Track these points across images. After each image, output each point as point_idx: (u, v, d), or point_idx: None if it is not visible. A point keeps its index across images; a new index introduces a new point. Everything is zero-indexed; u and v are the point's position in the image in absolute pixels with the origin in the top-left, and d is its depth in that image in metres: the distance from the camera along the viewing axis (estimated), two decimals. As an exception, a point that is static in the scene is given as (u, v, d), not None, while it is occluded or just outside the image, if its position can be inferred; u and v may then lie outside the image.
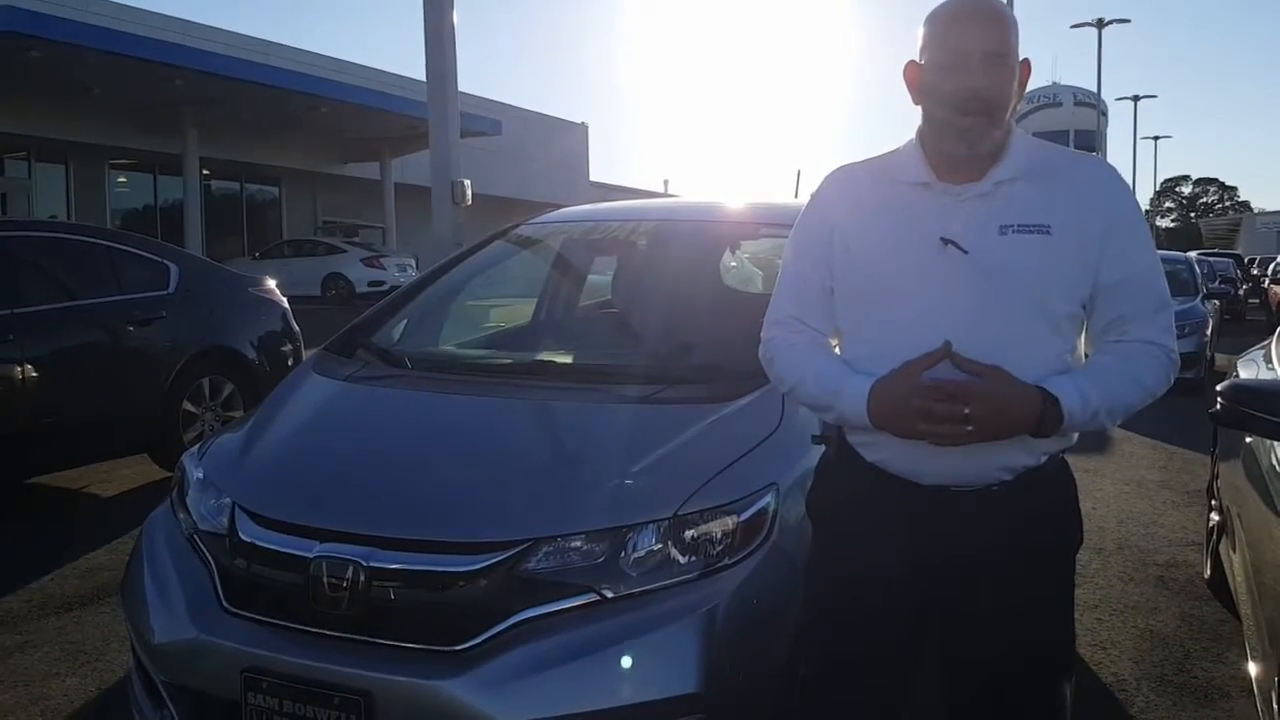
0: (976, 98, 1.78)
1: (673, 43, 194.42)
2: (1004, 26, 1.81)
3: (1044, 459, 1.90)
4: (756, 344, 2.09)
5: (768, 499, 2.46)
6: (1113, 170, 1.94)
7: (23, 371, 5.67)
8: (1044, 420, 1.78)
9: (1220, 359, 12.85)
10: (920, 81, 1.88)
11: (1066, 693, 1.98)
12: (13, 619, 4.26)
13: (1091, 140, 52.01)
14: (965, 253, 1.82)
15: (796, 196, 4.74)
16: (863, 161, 2.03)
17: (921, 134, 1.92)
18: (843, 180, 2.03)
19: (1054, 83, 60.43)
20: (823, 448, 2.15)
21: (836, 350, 2.02)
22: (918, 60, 1.88)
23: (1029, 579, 1.90)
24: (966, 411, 1.72)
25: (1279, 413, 2.61)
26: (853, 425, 1.92)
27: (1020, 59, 1.84)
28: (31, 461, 5.96)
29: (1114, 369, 1.85)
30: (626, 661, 2.20)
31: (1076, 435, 1.96)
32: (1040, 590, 1.92)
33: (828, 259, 1.97)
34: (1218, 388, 2.86)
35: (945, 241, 1.83)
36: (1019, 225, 1.82)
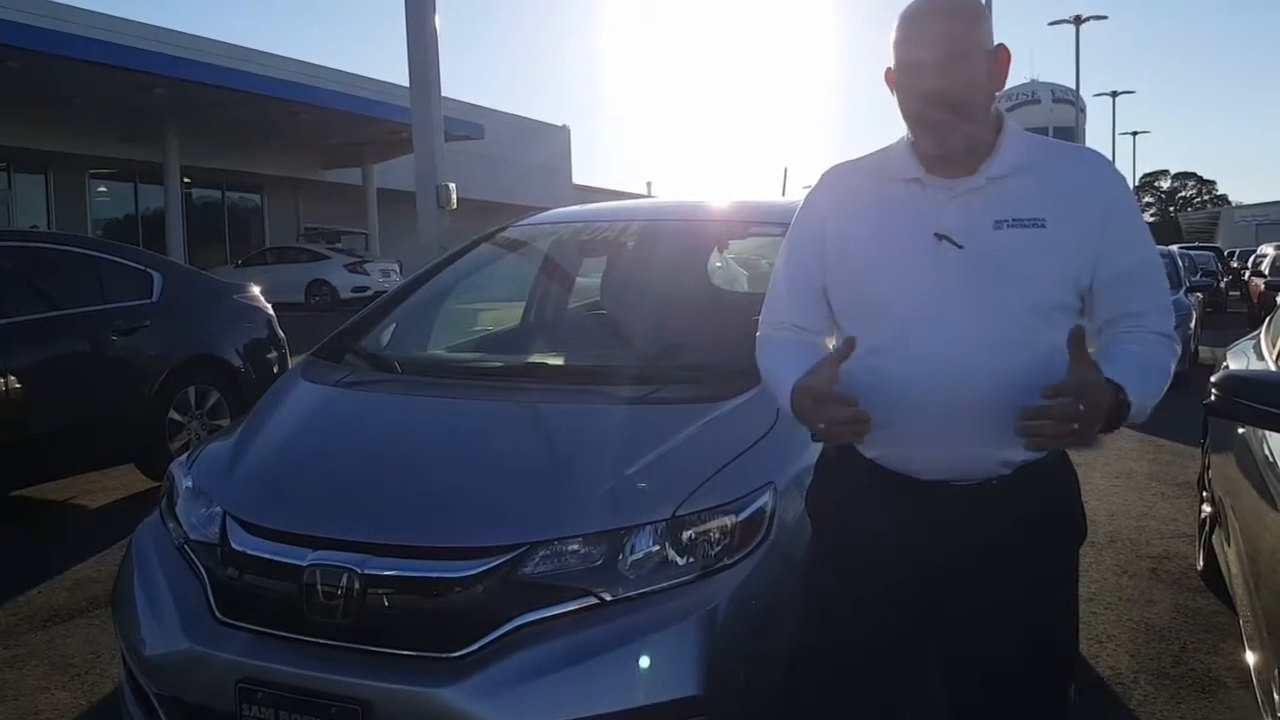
0: (938, 94, 1.77)
1: (654, 44, 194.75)
2: (962, 19, 1.79)
3: (1043, 452, 1.89)
4: (748, 343, 2.09)
5: (765, 498, 2.44)
6: (1107, 162, 1.93)
7: (6, 383, 5.61)
8: (1117, 411, 1.72)
9: (1203, 351, 12.94)
10: (894, 83, 1.87)
11: (1070, 688, 1.98)
12: (0, 633, 4.20)
13: (1070, 137, 52.09)
14: (960, 248, 1.81)
15: (784, 195, 4.73)
16: (856, 160, 2.03)
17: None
18: (835, 179, 2.02)
19: (1032, 80, 60.53)
20: (821, 446, 2.13)
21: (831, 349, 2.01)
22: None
23: (1031, 572, 1.89)
24: (1082, 408, 1.65)
25: (1273, 403, 2.61)
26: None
27: (994, 45, 1.82)
28: (17, 473, 5.89)
29: (1149, 359, 1.82)
30: (627, 664, 2.18)
31: None
32: (1042, 584, 1.91)
33: (819, 258, 1.97)
34: (1211, 379, 2.87)
35: (939, 237, 1.82)
36: (1014, 219, 1.80)
